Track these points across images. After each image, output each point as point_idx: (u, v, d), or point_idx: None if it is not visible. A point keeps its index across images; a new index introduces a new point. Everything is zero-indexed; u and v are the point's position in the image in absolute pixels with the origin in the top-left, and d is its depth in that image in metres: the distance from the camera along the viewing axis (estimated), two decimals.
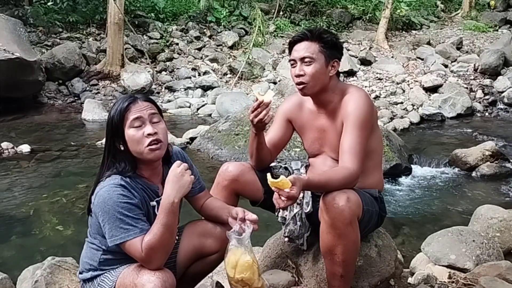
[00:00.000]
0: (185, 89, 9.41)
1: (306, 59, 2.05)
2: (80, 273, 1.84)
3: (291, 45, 2.14)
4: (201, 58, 10.53)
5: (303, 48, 2.07)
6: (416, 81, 9.25)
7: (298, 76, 2.07)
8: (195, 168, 1.98)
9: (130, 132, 1.71)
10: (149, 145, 1.71)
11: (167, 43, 10.73)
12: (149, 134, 1.71)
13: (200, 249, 1.92)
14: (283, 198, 1.75)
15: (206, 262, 1.96)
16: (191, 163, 1.96)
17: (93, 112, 7.98)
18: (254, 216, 1.83)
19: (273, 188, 1.75)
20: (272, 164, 2.31)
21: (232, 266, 1.79)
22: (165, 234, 1.63)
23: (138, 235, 1.64)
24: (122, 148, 1.73)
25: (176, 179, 1.67)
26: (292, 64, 2.12)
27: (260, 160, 2.21)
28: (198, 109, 8.69)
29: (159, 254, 1.64)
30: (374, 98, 8.72)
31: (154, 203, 1.79)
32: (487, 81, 9.24)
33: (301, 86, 2.08)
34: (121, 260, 1.74)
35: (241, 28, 11.72)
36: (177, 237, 1.93)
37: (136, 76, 9.11)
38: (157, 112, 1.77)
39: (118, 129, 1.72)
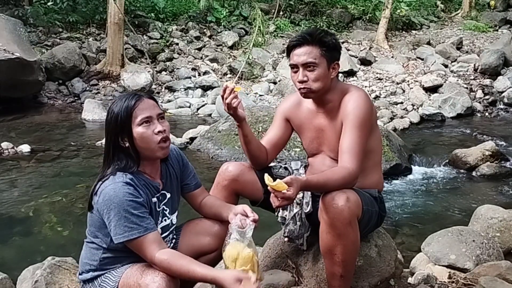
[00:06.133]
0: (185, 89, 9.40)
1: (309, 65, 2.01)
2: (80, 274, 1.83)
3: (290, 49, 2.08)
4: (201, 58, 10.53)
5: (305, 53, 2.01)
6: (416, 81, 9.24)
7: (302, 82, 2.03)
8: (190, 165, 2.01)
9: (139, 130, 1.72)
10: (160, 142, 1.74)
11: (167, 43, 10.72)
12: (159, 132, 1.73)
13: (199, 248, 1.93)
14: (278, 197, 1.76)
15: (204, 260, 1.95)
16: (186, 160, 1.99)
17: (93, 112, 7.97)
18: (256, 216, 1.83)
19: (269, 188, 1.76)
20: (272, 164, 2.31)
21: (232, 260, 1.77)
22: (184, 276, 1.65)
23: (142, 234, 1.65)
24: (127, 145, 1.74)
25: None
26: (292, 68, 2.07)
27: (252, 156, 2.18)
28: (198, 109, 8.68)
29: (169, 273, 1.65)
30: (374, 98, 8.71)
31: (154, 199, 1.80)
32: (487, 81, 9.23)
33: (304, 91, 2.05)
34: (121, 259, 1.74)
35: (241, 28, 11.72)
36: (175, 236, 1.95)
37: (136, 76, 9.11)
38: (162, 111, 1.80)
39: (125, 126, 1.72)
